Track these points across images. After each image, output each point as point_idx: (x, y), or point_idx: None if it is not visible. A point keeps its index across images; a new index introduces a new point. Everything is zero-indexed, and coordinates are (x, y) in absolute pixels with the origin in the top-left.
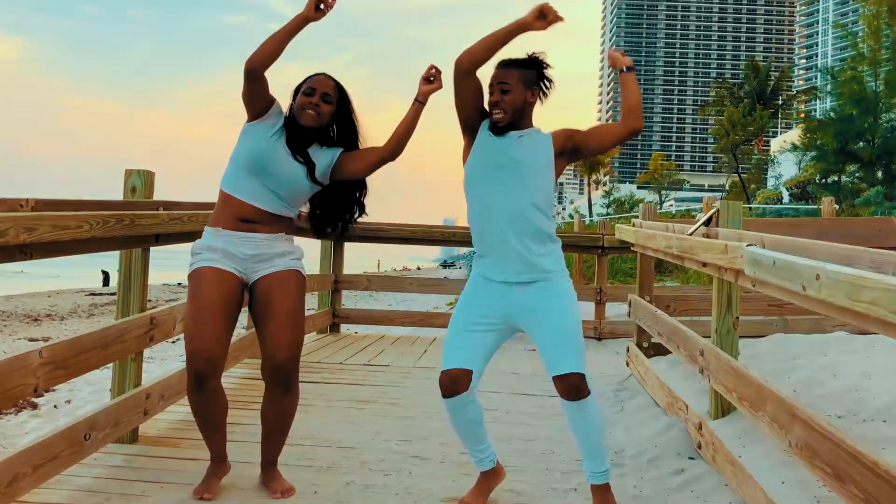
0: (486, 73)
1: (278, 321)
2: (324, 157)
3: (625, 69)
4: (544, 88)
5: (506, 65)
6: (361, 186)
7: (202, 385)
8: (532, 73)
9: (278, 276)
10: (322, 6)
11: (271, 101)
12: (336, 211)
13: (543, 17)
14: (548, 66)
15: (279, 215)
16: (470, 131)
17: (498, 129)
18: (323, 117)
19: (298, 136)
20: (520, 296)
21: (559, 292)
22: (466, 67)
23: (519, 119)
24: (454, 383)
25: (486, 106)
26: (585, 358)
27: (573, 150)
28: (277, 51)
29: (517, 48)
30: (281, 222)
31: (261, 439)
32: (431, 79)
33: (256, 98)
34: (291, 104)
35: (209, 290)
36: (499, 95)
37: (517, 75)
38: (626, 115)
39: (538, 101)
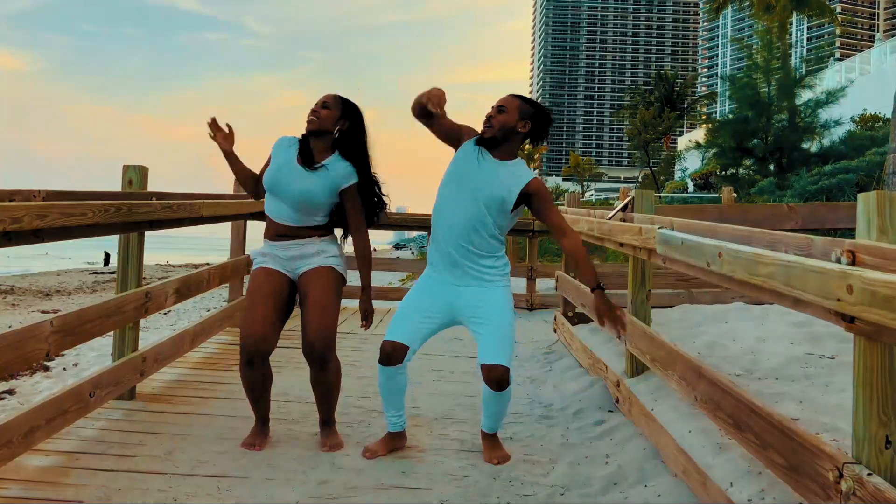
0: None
1: (311, 310)
2: (343, 169)
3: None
4: (536, 131)
5: (512, 95)
6: (373, 185)
7: (252, 363)
8: (531, 110)
9: (314, 271)
10: (227, 137)
11: (268, 160)
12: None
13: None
14: (549, 119)
15: (304, 228)
16: (454, 144)
17: (483, 142)
18: (323, 121)
19: (307, 149)
20: (465, 296)
21: (499, 298)
22: (416, 115)
23: (504, 141)
24: (393, 352)
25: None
26: (513, 355)
27: (528, 201)
28: (243, 179)
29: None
30: (311, 231)
31: (316, 403)
32: None
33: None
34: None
35: (262, 283)
36: (493, 112)
37: (517, 104)
38: (578, 259)
39: (527, 140)
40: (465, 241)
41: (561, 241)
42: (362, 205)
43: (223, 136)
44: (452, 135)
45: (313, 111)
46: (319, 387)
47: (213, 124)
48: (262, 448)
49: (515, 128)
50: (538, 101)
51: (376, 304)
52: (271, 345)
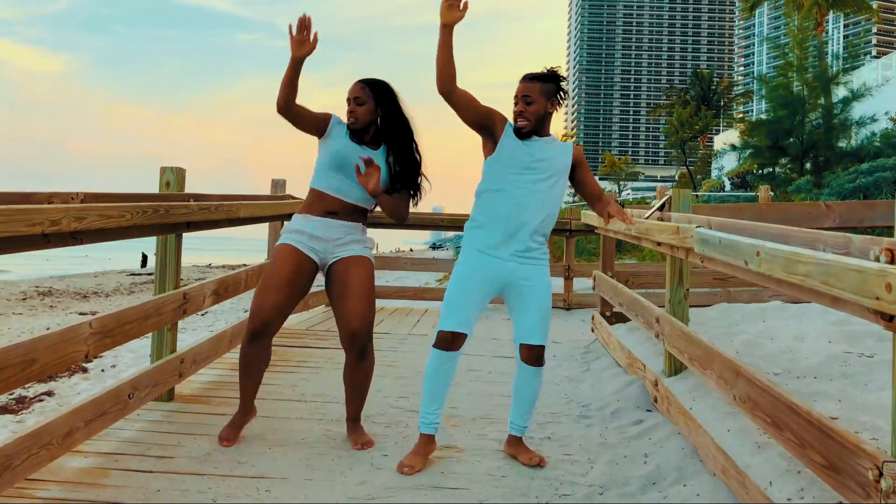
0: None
1: (353, 296)
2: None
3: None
4: (560, 99)
5: (529, 79)
6: (416, 172)
7: (254, 340)
8: (552, 86)
9: (354, 259)
10: (304, 42)
11: (325, 120)
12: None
13: (454, 7)
14: (564, 79)
15: (359, 207)
16: (483, 131)
17: (522, 135)
18: (362, 118)
19: (359, 135)
20: (515, 268)
21: (545, 278)
22: (445, 90)
23: (540, 127)
24: (453, 341)
25: (496, 118)
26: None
27: (573, 170)
28: (288, 92)
29: (489, 71)
30: (360, 215)
31: (345, 400)
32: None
33: (303, 126)
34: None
35: (281, 265)
36: (523, 106)
37: (539, 88)
38: (596, 204)
39: (555, 111)
40: (532, 220)
41: (596, 205)
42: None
43: (299, 41)
44: (483, 119)
45: (350, 112)
46: (355, 378)
47: (303, 23)
48: (233, 444)
49: (546, 110)
50: (573, 97)
51: (412, 304)
52: (275, 329)
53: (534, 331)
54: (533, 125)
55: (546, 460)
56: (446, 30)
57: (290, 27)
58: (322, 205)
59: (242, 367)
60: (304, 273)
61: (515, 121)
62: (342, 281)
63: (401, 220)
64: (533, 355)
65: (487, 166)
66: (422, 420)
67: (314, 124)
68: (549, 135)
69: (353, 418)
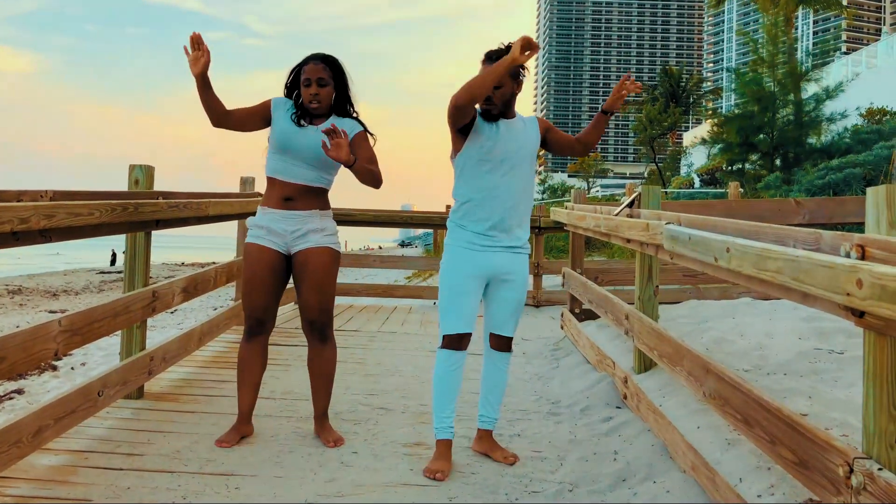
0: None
1: (309, 285)
2: (347, 123)
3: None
4: (522, 78)
5: (495, 60)
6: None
7: (251, 336)
8: (518, 69)
9: (313, 251)
10: (199, 59)
11: (266, 108)
12: None
13: (529, 48)
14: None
15: (314, 188)
16: (464, 129)
17: (491, 117)
18: (325, 100)
19: (310, 113)
20: (503, 261)
21: (526, 271)
22: (460, 111)
23: (507, 109)
24: (461, 342)
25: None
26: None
27: (544, 140)
28: (212, 108)
29: (455, 68)
30: (315, 198)
31: (312, 396)
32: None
33: (250, 126)
34: (288, 82)
35: (254, 266)
36: (491, 90)
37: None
38: (585, 143)
39: (519, 91)
40: (516, 212)
41: (577, 147)
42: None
43: (195, 59)
44: (471, 118)
45: (313, 94)
46: (320, 365)
47: (195, 41)
48: (230, 446)
49: (512, 91)
50: (542, 93)
51: (381, 301)
52: (273, 315)
53: (507, 322)
54: (500, 108)
55: (516, 456)
56: (512, 66)
57: (185, 49)
58: (275, 192)
59: (239, 368)
60: (277, 267)
61: (482, 104)
62: (300, 273)
63: (377, 185)
64: (503, 343)
65: (463, 161)
66: (438, 426)
67: (259, 119)
68: (514, 116)
69: (321, 414)
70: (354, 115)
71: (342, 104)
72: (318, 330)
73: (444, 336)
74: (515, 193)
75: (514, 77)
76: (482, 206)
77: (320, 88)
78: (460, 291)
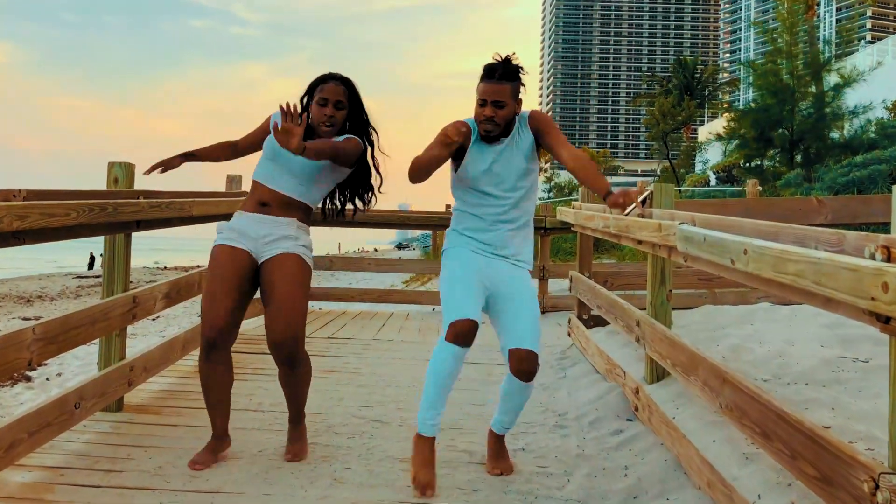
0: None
1: (276, 304)
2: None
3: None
4: (521, 97)
5: (497, 79)
6: (365, 179)
7: (210, 353)
8: (518, 84)
9: (279, 259)
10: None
11: (264, 133)
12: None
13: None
14: (525, 70)
15: (295, 201)
16: (457, 155)
17: (490, 139)
18: (340, 122)
19: (310, 131)
20: (501, 265)
21: (529, 281)
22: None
23: (509, 126)
24: (468, 332)
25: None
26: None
27: (537, 141)
28: (221, 160)
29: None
30: (296, 209)
31: (286, 399)
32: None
33: (257, 148)
34: (303, 100)
35: (222, 269)
36: (493, 111)
37: (509, 90)
38: (573, 170)
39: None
40: (513, 221)
41: (566, 165)
42: (349, 195)
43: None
44: (453, 152)
45: (329, 116)
46: (289, 387)
47: (292, 112)
48: (206, 468)
49: (514, 112)
50: (548, 87)
51: (376, 307)
52: (233, 336)
53: (526, 334)
54: (502, 129)
55: (511, 470)
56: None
57: (275, 125)
58: (254, 196)
59: (203, 388)
60: (245, 273)
61: (481, 123)
62: (268, 284)
63: (349, 164)
64: (526, 367)
65: (458, 184)
66: (426, 421)
67: (260, 139)
68: (512, 130)
69: (292, 419)
70: (374, 138)
71: (357, 127)
72: (286, 355)
73: (449, 325)
74: (511, 219)
75: (515, 96)
76: (478, 233)
77: (336, 111)
78: (464, 282)
